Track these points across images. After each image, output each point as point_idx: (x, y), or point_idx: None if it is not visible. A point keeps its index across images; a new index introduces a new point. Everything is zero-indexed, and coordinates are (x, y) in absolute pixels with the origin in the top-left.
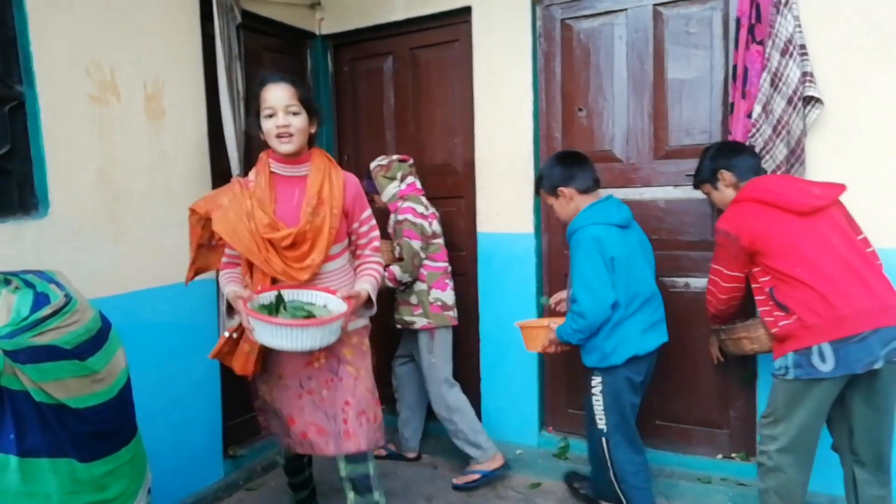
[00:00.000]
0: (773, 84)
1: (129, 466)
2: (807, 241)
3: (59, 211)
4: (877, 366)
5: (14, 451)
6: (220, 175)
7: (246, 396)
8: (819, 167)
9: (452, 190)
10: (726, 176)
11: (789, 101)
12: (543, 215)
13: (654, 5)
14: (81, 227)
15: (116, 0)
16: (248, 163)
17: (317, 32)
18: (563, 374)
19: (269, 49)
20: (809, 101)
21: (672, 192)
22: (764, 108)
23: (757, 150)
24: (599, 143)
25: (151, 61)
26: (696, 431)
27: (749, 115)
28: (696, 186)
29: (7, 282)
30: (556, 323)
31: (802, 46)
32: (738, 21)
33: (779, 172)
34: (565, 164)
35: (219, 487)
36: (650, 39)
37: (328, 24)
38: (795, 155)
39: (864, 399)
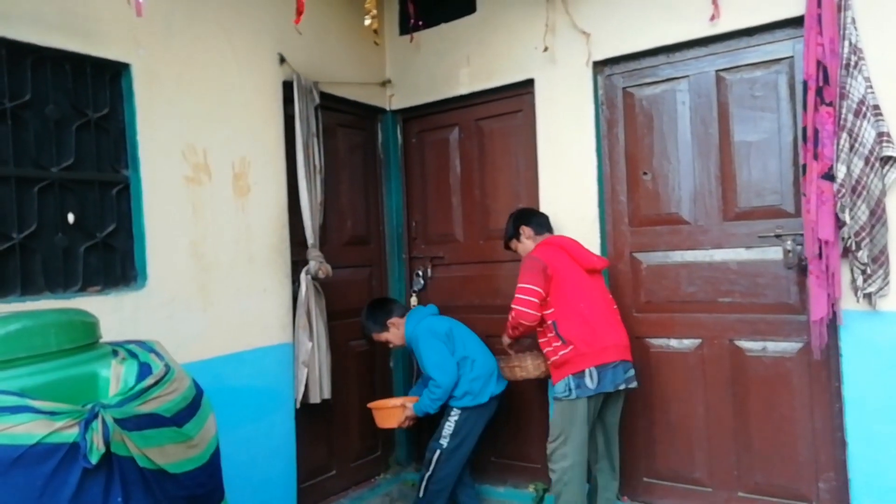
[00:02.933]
0: (850, 145)
1: None
2: (586, 290)
3: (155, 282)
4: (621, 387)
5: None
6: (298, 244)
7: (321, 457)
8: None
9: (517, 254)
10: (526, 231)
11: (867, 162)
12: (611, 278)
13: (717, 71)
14: (174, 297)
15: (210, 89)
16: (324, 232)
17: (387, 108)
18: (639, 442)
19: (344, 125)
20: (888, 161)
21: (744, 253)
22: (848, 169)
23: (843, 212)
24: (666, 206)
25: (239, 142)
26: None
27: (823, 176)
28: (506, 245)
29: (115, 353)
30: (409, 402)
31: (876, 107)
32: (804, 84)
33: (863, 234)
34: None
35: None
36: (714, 103)
37: (398, 99)
38: (877, 216)
39: (609, 413)
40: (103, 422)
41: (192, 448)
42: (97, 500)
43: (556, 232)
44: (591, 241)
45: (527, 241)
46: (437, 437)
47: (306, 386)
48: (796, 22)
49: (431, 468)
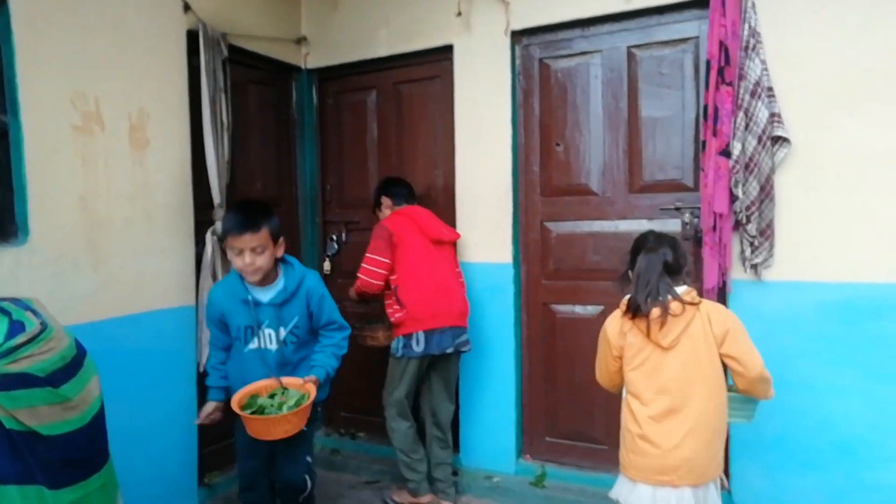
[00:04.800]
0: (746, 124)
1: (99, 494)
2: (429, 259)
3: (39, 238)
4: (448, 351)
5: None
6: (203, 204)
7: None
8: (787, 202)
9: None
10: (386, 201)
11: (759, 140)
12: (522, 246)
13: (629, 47)
14: (61, 255)
15: (104, 34)
16: (231, 192)
17: (302, 66)
18: (541, 402)
19: (255, 81)
20: (777, 140)
21: (646, 224)
22: (743, 146)
23: (736, 187)
24: (576, 177)
25: (136, 92)
26: None
27: (721, 153)
28: (374, 211)
29: None
30: (292, 383)
31: (770, 88)
32: (708, 63)
33: (752, 208)
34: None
35: None
36: (624, 79)
37: (313, 58)
38: (765, 191)
39: (439, 370)
40: None
41: (70, 410)
42: None
43: (473, 199)
44: (504, 209)
45: (385, 211)
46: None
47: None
48: (703, 3)
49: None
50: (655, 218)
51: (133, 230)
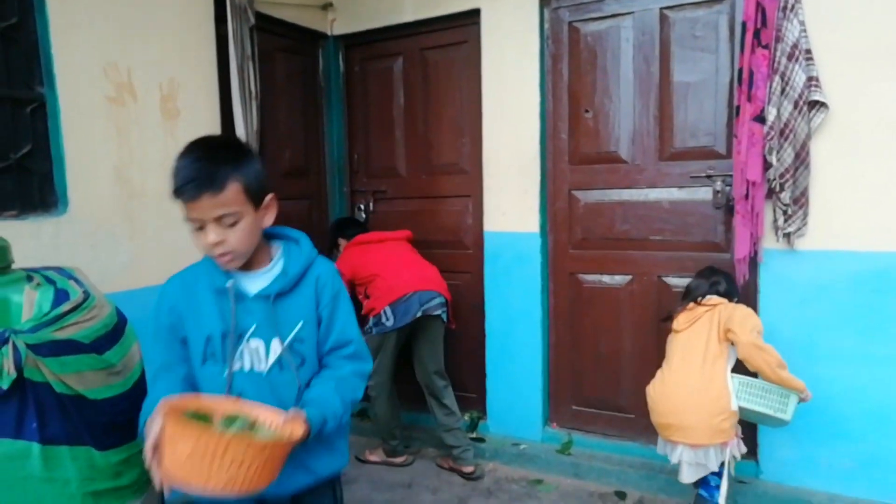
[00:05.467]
0: (782, 89)
1: (141, 456)
2: (379, 255)
3: (78, 209)
4: (417, 315)
5: (36, 439)
6: None
7: None
8: (822, 169)
9: (460, 189)
10: (342, 243)
11: (795, 105)
12: (549, 215)
13: (661, 8)
14: (99, 225)
15: (134, 4)
16: (261, 162)
17: (329, 33)
18: (567, 372)
19: (282, 49)
20: (814, 105)
21: (676, 193)
22: (778, 112)
23: (770, 154)
24: (605, 145)
25: (167, 63)
26: None
27: (755, 119)
28: (330, 252)
29: (29, 278)
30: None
31: (808, 51)
32: (743, 25)
33: (787, 176)
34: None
35: None
36: (656, 42)
37: (340, 24)
38: (801, 158)
39: (420, 340)
40: (14, 347)
41: (114, 375)
42: (10, 425)
43: (500, 167)
44: (531, 177)
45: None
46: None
47: None
48: None
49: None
50: (686, 186)
51: (166, 200)
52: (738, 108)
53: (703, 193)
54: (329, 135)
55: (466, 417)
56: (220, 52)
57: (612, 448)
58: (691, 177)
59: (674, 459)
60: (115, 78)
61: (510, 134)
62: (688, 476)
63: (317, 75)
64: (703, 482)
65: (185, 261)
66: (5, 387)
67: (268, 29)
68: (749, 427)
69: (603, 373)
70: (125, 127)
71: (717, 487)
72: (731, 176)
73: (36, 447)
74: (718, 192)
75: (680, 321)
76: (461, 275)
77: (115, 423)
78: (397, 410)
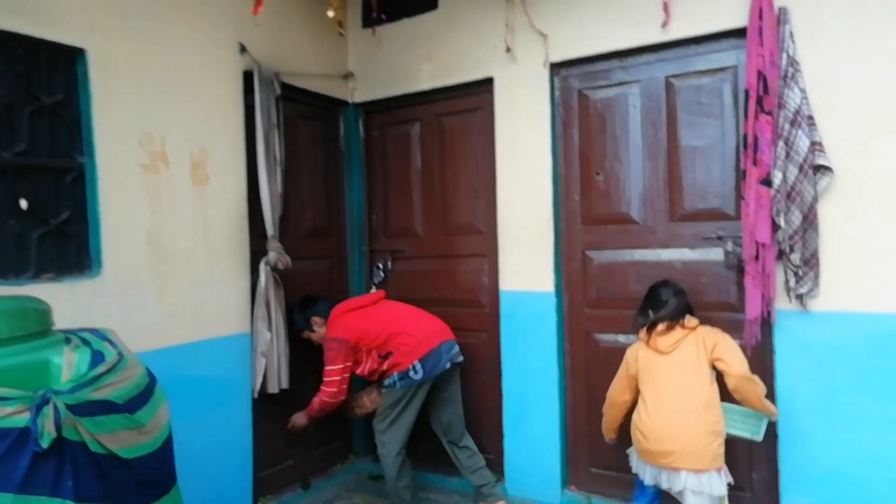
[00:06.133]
0: (787, 153)
1: None
2: (382, 316)
3: (111, 271)
4: (447, 367)
5: (71, 497)
6: (258, 235)
7: (277, 447)
8: (832, 231)
9: (476, 249)
10: (318, 320)
11: (800, 169)
12: (564, 274)
13: (667, 77)
14: (130, 286)
15: (169, 78)
16: (284, 223)
17: (349, 101)
18: (585, 433)
19: (305, 116)
20: (819, 168)
21: (689, 253)
22: (784, 176)
23: (778, 216)
24: (616, 206)
25: (198, 131)
26: None
27: (762, 182)
28: (298, 335)
29: (67, 340)
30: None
31: (810, 117)
32: (746, 92)
33: (796, 238)
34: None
35: None
36: (663, 108)
37: (360, 93)
38: (808, 220)
39: (440, 389)
40: (55, 407)
41: (144, 435)
42: (48, 484)
43: (515, 228)
44: (545, 238)
45: (320, 330)
46: None
47: (264, 376)
48: (741, 33)
49: None
50: (697, 247)
51: (194, 262)
52: (744, 171)
53: (715, 254)
54: (349, 196)
55: None
56: (248, 120)
57: None
58: (702, 238)
59: (676, 488)
60: (149, 147)
61: (524, 196)
62: (692, 502)
63: (338, 140)
64: None
65: (210, 321)
66: (45, 446)
67: (292, 98)
68: (770, 489)
69: (621, 435)
70: (158, 193)
71: None
72: (741, 237)
73: None
74: (729, 252)
75: (663, 343)
76: (477, 333)
77: (145, 481)
78: (409, 470)
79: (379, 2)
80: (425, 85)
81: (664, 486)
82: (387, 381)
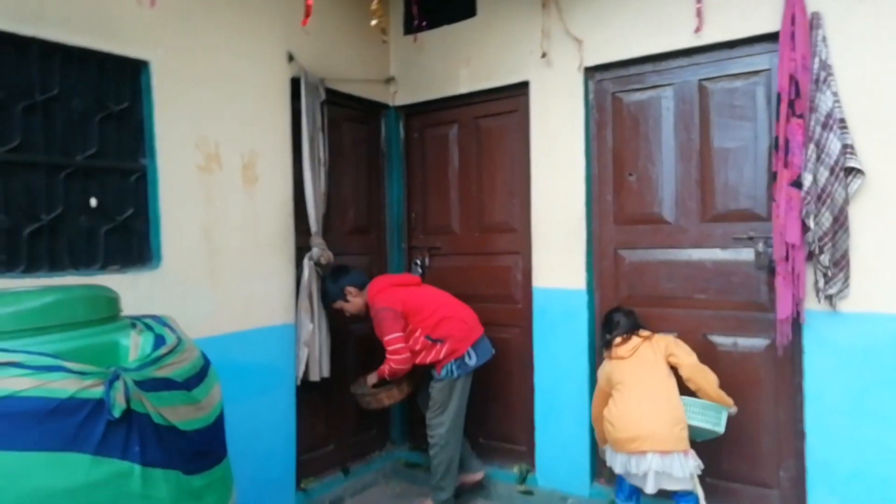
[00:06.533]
0: (818, 156)
1: (220, 483)
2: (428, 296)
3: (169, 263)
4: (488, 357)
5: (138, 461)
6: (303, 231)
7: (319, 433)
8: (862, 233)
9: (510, 246)
10: (352, 290)
11: (832, 172)
12: (596, 272)
13: (700, 80)
14: (186, 278)
15: (223, 85)
16: (327, 221)
17: (390, 104)
18: None
19: (348, 119)
20: (851, 171)
21: (720, 253)
22: (814, 178)
23: (808, 218)
24: (649, 207)
25: (248, 135)
26: (746, 490)
27: (792, 184)
28: (328, 306)
29: (133, 325)
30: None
31: (842, 120)
32: (778, 96)
33: (826, 239)
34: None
35: None
36: (696, 111)
37: (401, 96)
38: (839, 222)
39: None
40: (124, 382)
41: (200, 410)
42: (118, 448)
43: (549, 227)
44: (577, 236)
45: (356, 300)
46: None
47: (307, 365)
48: (774, 37)
49: None
50: (729, 247)
51: (244, 256)
52: (775, 173)
53: (746, 254)
54: (389, 196)
55: (516, 470)
56: (294, 124)
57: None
58: (733, 238)
59: (642, 470)
60: (204, 149)
61: (558, 195)
62: (653, 485)
63: (379, 142)
64: None
65: (262, 310)
66: (117, 415)
67: (336, 102)
68: (797, 486)
69: None
70: (211, 192)
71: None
72: (772, 238)
73: (137, 468)
74: (760, 253)
75: (622, 350)
76: (510, 328)
77: (199, 451)
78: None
79: (420, 10)
80: (463, 88)
81: (633, 471)
82: (443, 373)
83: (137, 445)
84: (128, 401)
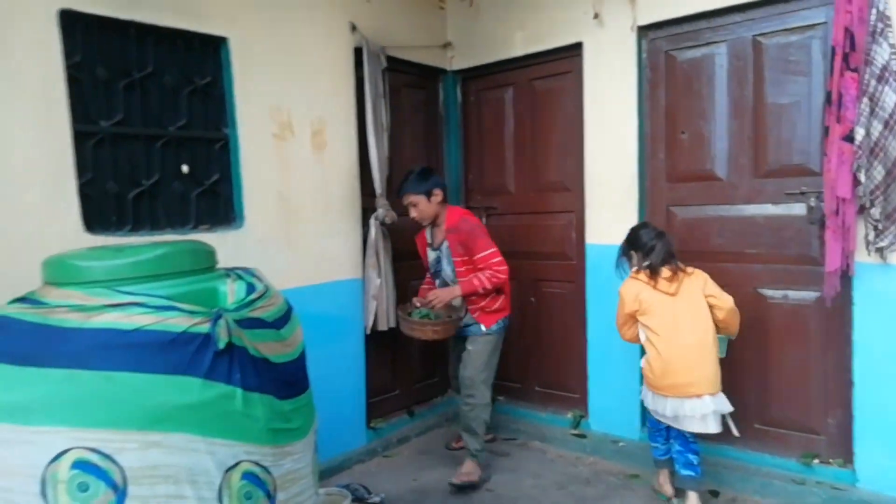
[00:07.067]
0: (871, 109)
1: (305, 409)
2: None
3: (250, 224)
4: None
5: (239, 386)
6: (368, 193)
7: (386, 378)
8: None
9: (564, 205)
10: (439, 193)
11: (886, 125)
12: None
13: (754, 36)
14: (265, 236)
15: (293, 57)
16: (390, 183)
17: (448, 69)
18: None
19: (408, 85)
20: None
21: (771, 209)
22: (867, 132)
23: (859, 172)
24: (701, 164)
25: (317, 103)
26: (794, 437)
27: (844, 138)
28: (402, 195)
29: (227, 275)
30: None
31: None
32: (832, 49)
33: (877, 193)
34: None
35: (361, 452)
36: (750, 67)
37: (458, 61)
38: (892, 175)
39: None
40: (226, 321)
41: (286, 346)
42: (224, 374)
43: (601, 185)
44: (630, 194)
45: (436, 205)
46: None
47: (375, 316)
48: None
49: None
50: (780, 202)
51: (315, 217)
52: (827, 128)
53: (798, 209)
54: (448, 158)
55: (570, 415)
56: (358, 92)
57: (706, 450)
58: (786, 193)
59: (699, 412)
60: (278, 118)
61: (611, 154)
62: (714, 424)
63: (437, 106)
64: (685, 462)
65: (332, 265)
66: (221, 347)
67: (396, 69)
68: (844, 433)
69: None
70: (285, 158)
71: (699, 463)
72: (823, 192)
73: (239, 391)
74: (812, 207)
75: (669, 286)
76: (565, 283)
77: (287, 381)
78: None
79: None
80: (518, 51)
81: (688, 413)
82: (493, 327)
83: (238, 373)
84: (229, 335)
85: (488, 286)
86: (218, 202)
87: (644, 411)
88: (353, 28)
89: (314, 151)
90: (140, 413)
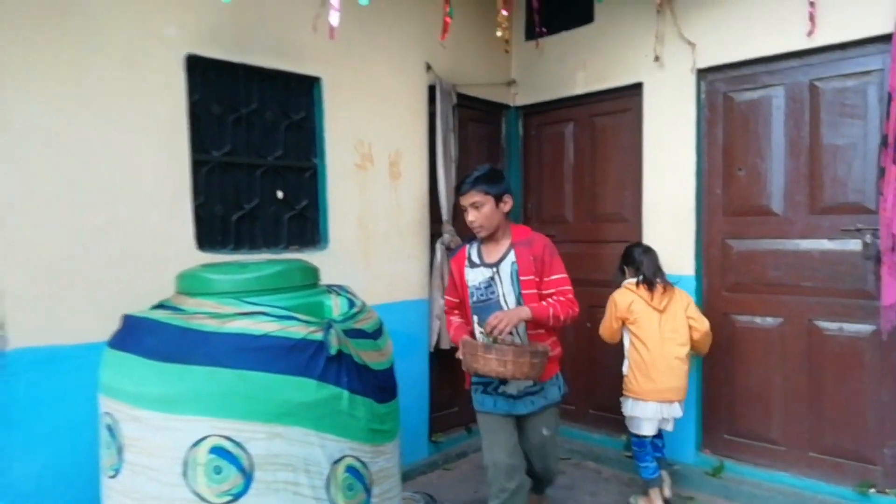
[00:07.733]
0: None
1: (395, 413)
2: None
3: (334, 245)
4: None
5: (346, 388)
6: (435, 220)
7: (447, 395)
8: None
9: (622, 235)
10: (509, 199)
11: None
12: (704, 260)
13: (811, 80)
14: (346, 257)
15: (374, 93)
16: (455, 211)
17: (511, 104)
18: (720, 404)
19: (473, 119)
20: None
21: (827, 244)
22: None
23: None
24: (756, 199)
25: (394, 136)
26: (849, 465)
27: None
28: (466, 191)
29: (329, 290)
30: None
31: None
32: (889, 95)
33: None
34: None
35: (423, 464)
36: (806, 109)
37: (521, 97)
38: None
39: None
40: (336, 330)
41: (382, 356)
42: (333, 377)
43: (659, 217)
44: (687, 226)
45: (501, 214)
46: None
47: (438, 335)
48: (886, 38)
49: None
50: (836, 238)
51: (389, 241)
52: (882, 169)
53: (853, 245)
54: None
55: (623, 438)
56: (430, 126)
57: (762, 476)
58: (841, 230)
59: (671, 415)
60: (360, 150)
61: (669, 188)
62: (670, 426)
63: (500, 139)
64: (656, 450)
65: (403, 286)
66: (333, 353)
67: (463, 104)
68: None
69: (754, 405)
70: (365, 186)
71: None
72: (879, 230)
73: (346, 393)
74: (868, 243)
75: (658, 302)
76: None
77: (383, 386)
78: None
79: (541, 18)
80: (580, 90)
81: (665, 416)
82: (557, 392)
83: (345, 377)
84: (339, 343)
85: (562, 317)
86: (306, 225)
87: (700, 435)
88: (429, 68)
89: (390, 180)
90: (267, 407)
